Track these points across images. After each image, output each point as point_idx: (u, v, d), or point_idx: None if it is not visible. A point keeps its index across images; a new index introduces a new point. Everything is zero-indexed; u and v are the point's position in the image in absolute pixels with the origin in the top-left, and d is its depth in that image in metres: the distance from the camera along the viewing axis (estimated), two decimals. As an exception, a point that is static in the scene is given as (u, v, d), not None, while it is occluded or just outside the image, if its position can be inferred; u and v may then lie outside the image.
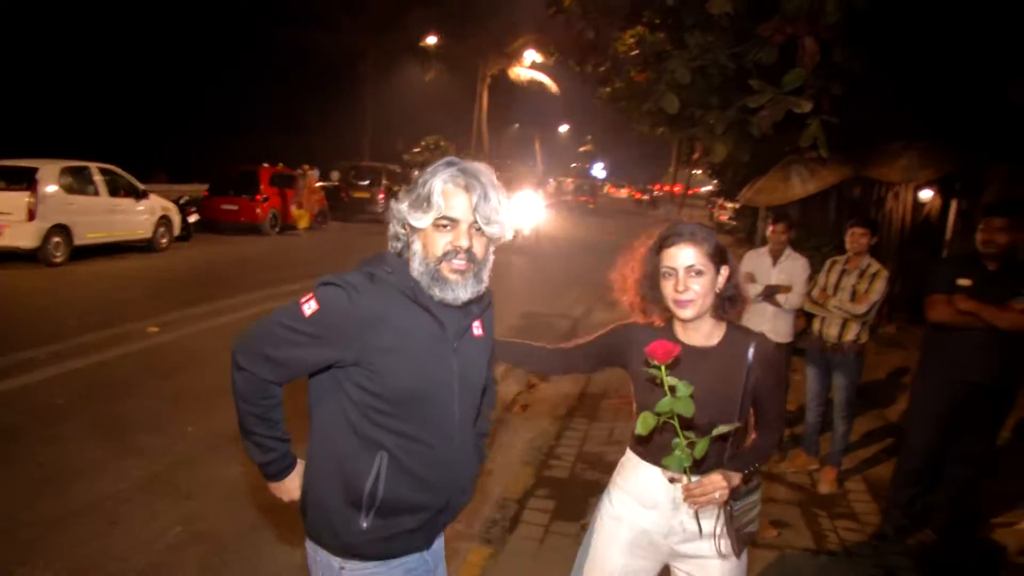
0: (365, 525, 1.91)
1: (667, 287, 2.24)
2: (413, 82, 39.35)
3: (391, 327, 1.87)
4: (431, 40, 36.64)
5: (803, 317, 5.63)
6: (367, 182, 23.19)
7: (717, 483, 2.12)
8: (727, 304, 2.29)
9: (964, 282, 4.13)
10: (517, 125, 59.24)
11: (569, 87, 41.09)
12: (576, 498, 4.62)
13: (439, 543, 2.15)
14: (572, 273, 14.57)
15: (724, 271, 2.26)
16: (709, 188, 40.56)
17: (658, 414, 1.99)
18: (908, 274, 10.98)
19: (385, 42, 33.60)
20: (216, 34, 27.46)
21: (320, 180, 26.01)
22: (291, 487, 2.07)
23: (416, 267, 1.92)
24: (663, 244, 2.26)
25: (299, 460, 2.08)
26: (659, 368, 1.98)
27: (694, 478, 2.13)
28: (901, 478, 4.49)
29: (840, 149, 9.59)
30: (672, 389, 1.98)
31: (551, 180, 44.68)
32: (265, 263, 13.33)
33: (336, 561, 1.95)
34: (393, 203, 1.99)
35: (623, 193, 71.41)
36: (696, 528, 2.29)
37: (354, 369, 1.89)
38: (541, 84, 43.80)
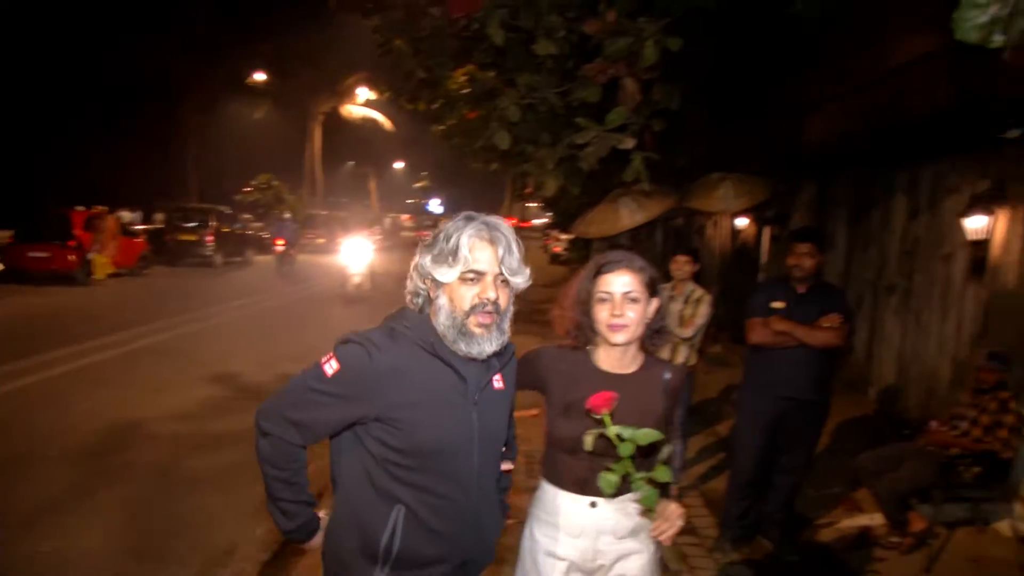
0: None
1: (602, 312, 2.26)
2: (242, 120, 38.16)
3: (412, 382, 1.89)
4: (259, 77, 35.71)
5: None
6: (194, 224, 22.02)
7: (677, 510, 2.10)
8: (655, 336, 2.35)
9: (777, 304, 4.45)
10: (352, 163, 58.59)
11: (403, 124, 41.24)
12: None
13: None
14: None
15: (654, 302, 2.31)
16: (544, 220, 41.78)
17: (618, 463, 1.98)
18: (730, 297, 11.74)
19: (209, 79, 32.34)
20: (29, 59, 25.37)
21: (143, 223, 24.59)
22: (316, 545, 2.08)
23: (442, 321, 1.94)
24: (600, 270, 2.28)
25: (323, 514, 2.07)
26: (603, 419, 1.99)
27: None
28: (734, 491, 4.74)
29: (663, 182, 10.14)
30: (619, 436, 1.97)
31: (388, 217, 44.30)
32: (78, 315, 12.36)
33: None
34: (415, 259, 2.01)
35: None
36: (617, 552, 2.30)
37: (375, 424, 1.91)
38: (375, 121, 43.72)
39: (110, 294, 15.23)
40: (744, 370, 4.84)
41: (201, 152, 34.80)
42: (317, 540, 2.07)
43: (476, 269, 1.91)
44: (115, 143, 28.73)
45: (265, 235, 29.12)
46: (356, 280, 14.89)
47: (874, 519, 5.12)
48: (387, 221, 42.15)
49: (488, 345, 1.94)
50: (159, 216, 23.77)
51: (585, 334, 2.33)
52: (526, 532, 2.43)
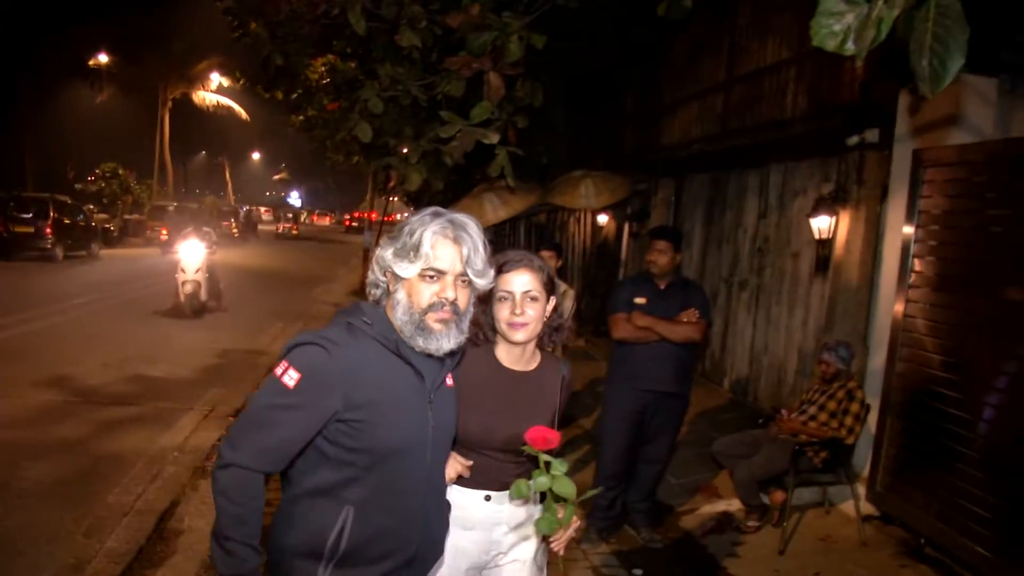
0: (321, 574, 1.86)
1: (503, 310, 2.27)
2: (85, 105, 35.70)
3: (371, 379, 1.85)
4: (102, 59, 33.51)
5: None
6: (30, 214, 20.30)
7: (574, 523, 2.12)
8: (553, 333, 2.39)
9: (640, 300, 4.58)
10: (204, 152, 56.11)
11: (260, 113, 39.81)
12: None
13: None
14: (273, 307, 14.02)
15: (552, 301, 2.34)
16: (406, 215, 41.34)
17: (532, 486, 1.91)
18: (593, 292, 12.02)
19: (47, 59, 30.01)
20: None
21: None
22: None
23: (399, 316, 1.90)
24: (500, 269, 2.25)
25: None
26: (536, 457, 1.92)
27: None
28: (601, 482, 4.83)
29: (527, 178, 10.25)
30: (548, 465, 1.91)
31: (242, 209, 42.74)
32: None
33: None
34: (377, 250, 1.97)
35: (327, 221, 71.11)
36: (511, 541, 2.33)
37: (332, 425, 1.83)
38: (229, 109, 41.95)
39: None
40: (608, 364, 4.95)
41: (40, 138, 32.25)
42: None
43: (437, 267, 1.88)
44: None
45: (110, 227, 27.45)
46: (188, 289, 12.11)
47: (732, 504, 5.36)
48: (242, 213, 40.47)
49: (446, 342, 1.90)
50: (-9, 206, 21.86)
51: (485, 331, 2.34)
52: None
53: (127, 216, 32.01)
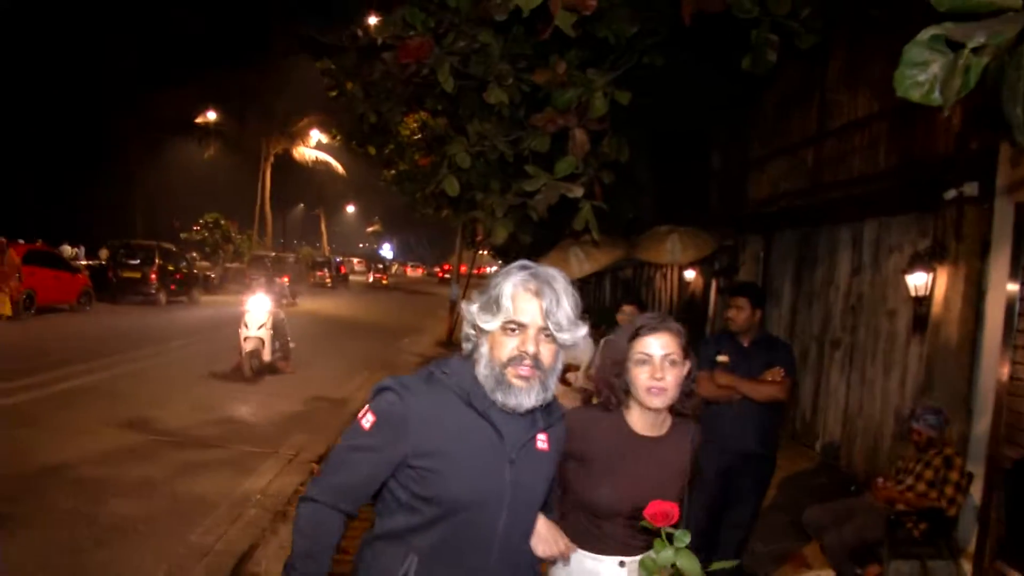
0: None
1: (641, 374, 2.21)
2: (192, 159, 37.79)
3: (443, 429, 1.85)
4: (210, 116, 35.45)
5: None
6: (138, 261, 21.44)
7: None
8: (685, 399, 2.29)
9: (722, 359, 4.46)
10: (302, 205, 58.24)
11: (355, 168, 41.20)
12: None
13: None
14: (361, 355, 14.28)
15: (687, 364, 2.26)
16: (495, 268, 41.87)
17: (656, 566, 1.89)
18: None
19: (158, 116, 31.97)
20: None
21: (86, 258, 23.97)
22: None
23: (482, 370, 1.89)
24: (639, 332, 2.25)
25: None
26: (659, 532, 1.89)
27: None
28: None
29: (612, 233, 10.23)
30: (670, 537, 1.88)
31: (334, 259, 44.06)
32: (5, 353, 11.88)
33: None
34: (464, 304, 1.98)
35: (419, 272, 73.11)
36: None
37: (404, 470, 1.87)
38: (327, 164, 43.60)
39: (41, 331, 14.70)
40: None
41: (148, 190, 34.25)
42: None
43: (518, 320, 1.87)
44: (57, 177, 28.14)
45: (211, 275, 28.67)
46: (249, 347, 10.81)
47: (822, 575, 5.09)
48: (335, 262, 41.65)
49: (527, 398, 1.87)
50: (103, 252, 23.11)
51: (618, 395, 2.29)
52: None
53: (228, 264, 33.39)
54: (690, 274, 11.47)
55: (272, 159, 40.72)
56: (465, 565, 1.89)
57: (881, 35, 6.44)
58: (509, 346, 1.87)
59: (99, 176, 31.03)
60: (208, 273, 28.41)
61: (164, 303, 21.46)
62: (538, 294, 1.88)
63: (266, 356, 11.05)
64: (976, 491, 4.92)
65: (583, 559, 2.27)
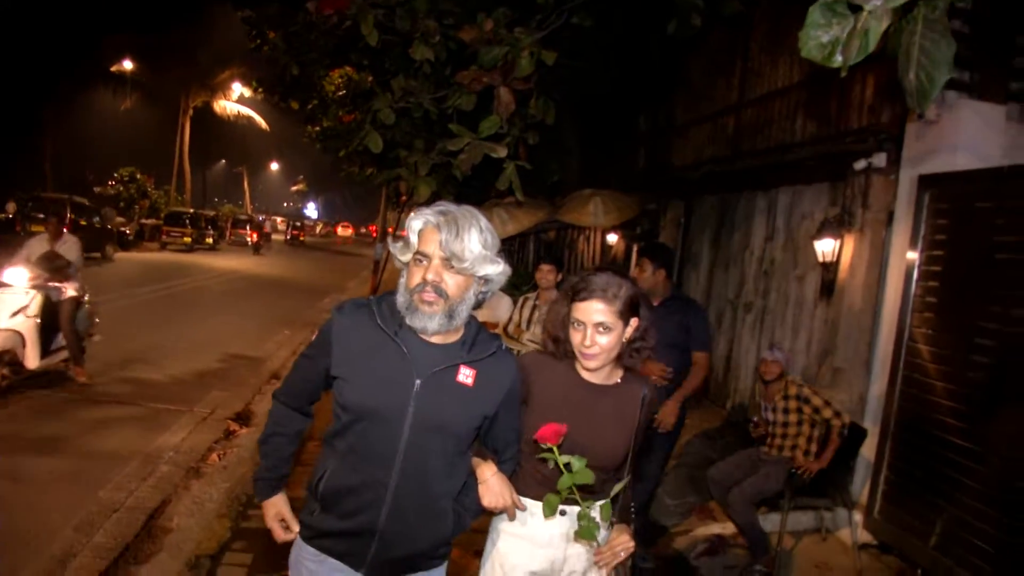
0: (314, 513, 2.17)
1: (575, 337, 2.29)
2: (107, 111, 36.09)
3: (356, 343, 2.09)
4: (126, 65, 33.87)
5: None
6: (47, 215, 20.44)
7: (624, 543, 2.22)
8: (633, 354, 2.35)
9: None
10: (224, 161, 56.55)
11: (279, 124, 40.18)
12: (275, 549, 4.34)
13: None
14: (281, 314, 14.06)
15: (633, 322, 2.31)
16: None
17: (558, 492, 2.12)
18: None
19: (71, 66, 30.31)
20: None
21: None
22: (268, 510, 2.32)
23: (399, 297, 2.09)
24: (574, 296, 2.29)
25: (280, 500, 2.33)
26: (552, 450, 2.09)
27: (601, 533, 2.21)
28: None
29: (536, 195, 10.26)
30: (567, 466, 2.09)
31: (261, 217, 43.09)
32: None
33: (298, 536, 2.24)
34: (389, 240, 2.23)
35: (349, 232, 72.46)
36: (590, 557, 2.32)
37: (332, 381, 2.15)
38: (249, 119, 42.37)
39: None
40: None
41: (61, 141, 32.55)
42: (269, 506, 2.31)
43: (422, 251, 2.05)
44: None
45: (126, 230, 27.65)
46: None
47: (726, 527, 5.29)
48: (258, 220, 40.67)
49: (430, 322, 2.04)
50: (10, 206, 22.02)
51: (564, 348, 2.37)
52: (491, 551, 2.41)
53: (143, 221, 32.27)
54: (612, 238, 11.59)
55: (192, 112, 39.26)
56: (366, 472, 2.08)
57: (802, 3, 6.56)
58: (417, 275, 2.05)
59: (4, 124, 29.38)
60: (123, 229, 27.41)
61: (75, 259, 20.58)
62: (439, 227, 2.03)
63: (30, 360, 6.81)
64: (870, 448, 5.17)
65: (529, 505, 2.33)
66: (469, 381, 2.11)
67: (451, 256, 2.01)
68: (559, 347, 2.37)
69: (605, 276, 2.31)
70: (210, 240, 32.06)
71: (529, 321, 5.44)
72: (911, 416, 4.92)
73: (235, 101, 40.89)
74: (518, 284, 9.58)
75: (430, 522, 2.14)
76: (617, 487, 2.22)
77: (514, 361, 2.26)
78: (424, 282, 2.02)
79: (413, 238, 2.06)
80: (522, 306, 5.59)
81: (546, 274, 5.47)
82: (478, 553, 2.50)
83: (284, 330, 12.22)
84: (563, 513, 2.29)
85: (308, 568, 2.18)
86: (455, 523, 2.18)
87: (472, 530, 2.31)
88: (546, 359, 2.41)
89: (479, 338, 2.17)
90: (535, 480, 2.32)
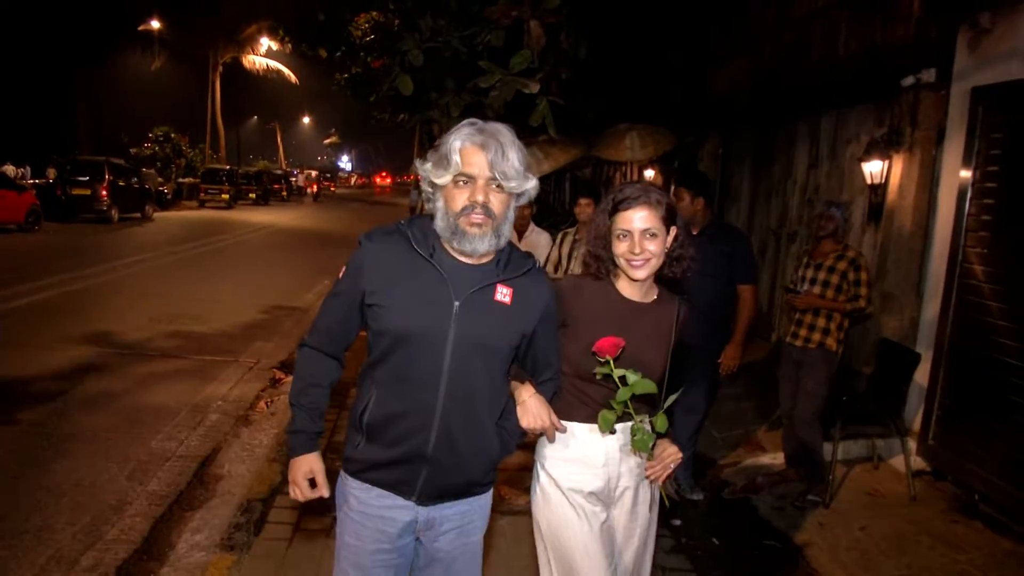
0: (359, 445, 2.12)
1: (621, 248, 2.27)
2: (138, 71, 36.23)
3: (391, 269, 2.04)
4: (153, 24, 33.84)
5: None
6: (87, 177, 20.68)
7: (673, 454, 2.27)
8: (674, 263, 2.35)
9: None
10: (256, 118, 56.68)
11: (309, 77, 39.93)
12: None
13: (454, 517, 2.19)
14: (318, 265, 14.14)
15: (673, 231, 2.32)
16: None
17: (615, 405, 2.14)
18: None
19: (100, 26, 30.34)
20: None
21: (32, 178, 23.21)
22: (298, 467, 2.16)
23: (439, 222, 2.03)
24: (617, 206, 2.27)
25: (315, 458, 2.17)
26: (608, 363, 2.11)
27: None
28: None
29: (571, 132, 10.08)
30: (623, 379, 2.11)
31: (296, 172, 43.27)
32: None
33: (343, 471, 2.20)
34: (417, 162, 2.11)
35: (387, 181, 73.99)
36: (639, 472, 2.37)
37: (367, 310, 2.08)
38: (279, 73, 42.22)
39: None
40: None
41: (93, 104, 32.81)
42: (301, 462, 2.16)
43: (467, 173, 1.98)
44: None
45: (164, 190, 27.97)
46: None
47: (775, 459, 5.24)
48: (293, 174, 40.86)
49: (480, 244, 2.00)
50: (51, 171, 22.28)
51: (606, 266, 2.35)
52: (541, 478, 2.40)
53: (181, 180, 32.58)
54: (649, 173, 11.37)
55: (221, 69, 39.25)
56: (410, 398, 2.05)
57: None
58: (461, 197, 1.99)
59: (39, 92, 29.63)
60: (161, 188, 27.70)
61: (116, 220, 20.85)
62: (484, 147, 1.97)
63: None
64: (923, 374, 5.05)
65: (573, 429, 2.34)
66: (507, 299, 2.11)
67: (499, 176, 1.97)
68: (601, 265, 2.35)
69: (641, 184, 2.33)
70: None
71: (569, 256, 5.36)
72: (966, 340, 4.78)
73: (263, 55, 40.74)
74: (557, 223, 9.47)
75: (478, 444, 2.13)
76: (671, 398, 2.23)
77: (547, 280, 2.27)
78: (473, 203, 1.98)
79: (456, 158, 1.98)
80: (561, 242, 5.51)
81: (585, 208, 5.40)
82: (527, 490, 2.48)
83: (324, 280, 12.30)
84: (613, 432, 2.29)
85: (355, 497, 2.15)
86: (501, 445, 2.18)
87: (519, 467, 2.30)
88: (584, 280, 2.41)
89: (513, 257, 2.15)
90: (579, 401, 2.33)
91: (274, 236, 20.20)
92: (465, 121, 2.04)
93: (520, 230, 5.67)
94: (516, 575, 3.63)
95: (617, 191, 2.32)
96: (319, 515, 4.08)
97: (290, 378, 6.61)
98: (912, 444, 5.03)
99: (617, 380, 2.11)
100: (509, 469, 4.31)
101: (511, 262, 2.13)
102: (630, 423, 2.25)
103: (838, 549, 4.12)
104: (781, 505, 4.64)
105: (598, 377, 2.17)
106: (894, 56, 5.69)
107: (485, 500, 2.26)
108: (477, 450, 2.13)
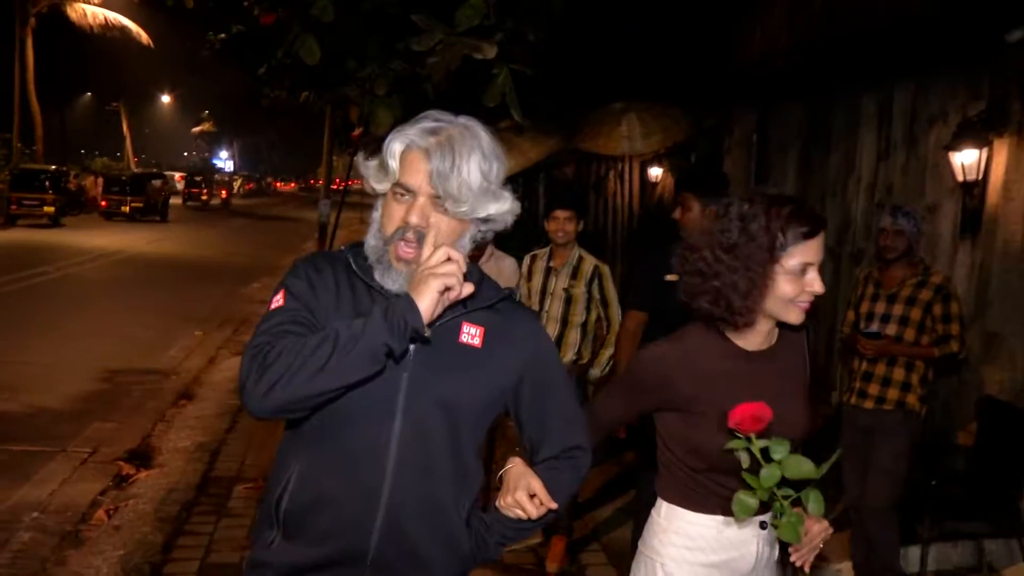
0: (273, 543, 2.12)
1: (791, 288, 2.33)
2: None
3: (329, 302, 2.08)
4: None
5: None
6: None
7: (823, 529, 2.34)
8: None
9: (671, 277, 4.56)
10: (90, 95, 56.38)
11: (168, 37, 39.68)
12: None
13: None
14: (188, 310, 14.09)
15: None
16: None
17: (757, 489, 2.18)
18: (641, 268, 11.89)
19: None
20: None
21: None
22: (423, 297, 1.88)
23: (370, 240, 2.10)
24: (803, 232, 2.31)
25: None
26: (748, 439, 2.17)
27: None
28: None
29: (544, 116, 10.17)
30: (765, 452, 2.18)
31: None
32: None
33: None
34: (360, 158, 2.18)
35: (292, 187, 74.72)
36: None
37: None
38: (123, 31, 41.75)
39: None
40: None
41: None
42: (420, 304, 1.89)
43: (404, 185, 2.03)
44: None
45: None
46: None
47: (842, 571, 5.30)
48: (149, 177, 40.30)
49: (407, 285, 1.98)
50: None
51: (749, 316, 2.36)
52: None
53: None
54: (656, 171, 11.55)
55: (34, 22, 38.29)
56: (349, 474, 2.06)
57: None
58: (396, 215, 2.05)
59: None
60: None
61: None
62: (428, 154, 1.98)
63: None
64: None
65: (724, 527, 2.46)
66: (476, 341, 2.14)
67: (442, 194, 1.99)
68: (744, 314, 2.36)
69: (778, 188, 2.48)
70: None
71: (543, 292, 5.42)
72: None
73: (98, 4, 40.16)
74: (526, 244, 9.54)
75: (439, 538, 2.15)
76: (833, 457, 2.24)
77: (535, 317, 2.38)
78: (405, 226, 2.01)
79: (393, 163, 2.04)
80: (530, 270, 5.56)
81: (563, 224, 5.39)
82: None
83: (194, 331, 12.26)
84: (763, 526, 2.45)
85: None
86: (476, 544, 2.21)
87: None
88: (684, 342, 2.49)
89: (483, 287, 2.17)
90: (717, 496, 2.43)
91: (119, 267, 20.06)
92: (426, 113, 2.07)
93: (474, 256, 5.69)
94: None
95: (791, 210, 2.34)
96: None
97: (143, 474, 6.60)
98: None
99: (759, 457, 2.19)
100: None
101: (480, 291, 2.13)
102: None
103: None
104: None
105: (739, 458, 2.24)
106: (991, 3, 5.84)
107: None
108: (438, 547, 2.14)
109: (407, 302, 1.87)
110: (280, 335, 1.99)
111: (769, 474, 2.16)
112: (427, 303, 1.86)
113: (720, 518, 2.43)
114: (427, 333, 1.89)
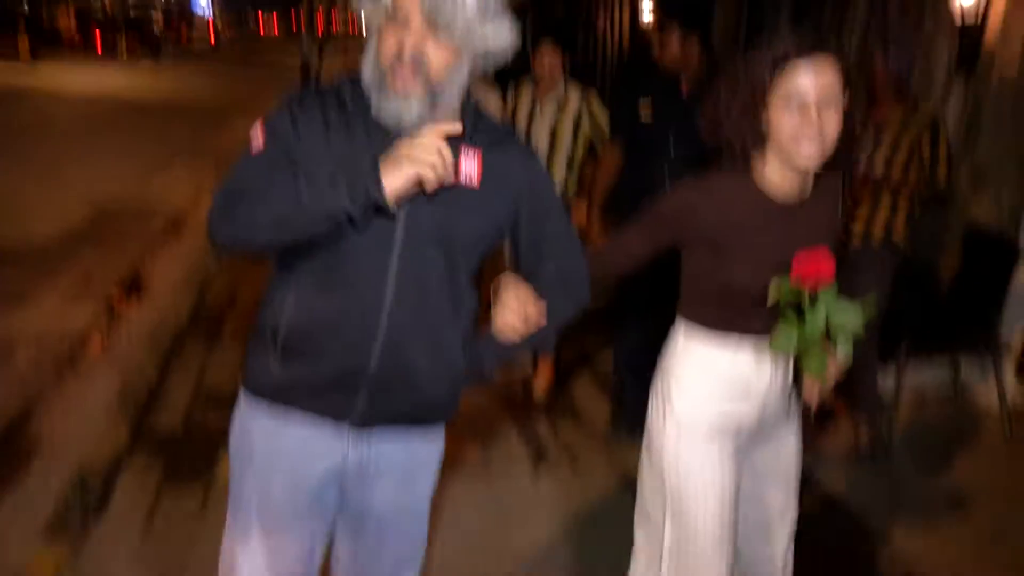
0: (269, 366, 2.15)
1: (788, 123, 2.22)
2: None
3: (322, 136, 2.06)
4: None
5: None
6: None
7: (837, 372, 2.47)
8: (845, 149, 2.32)
9: (645, 108, 4.68)
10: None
11: None
12: (195, 452, 4.58)
13: (395, 456, 2.29)
14: (171, 147, 13.94)
15: (845, 98, 2.26)
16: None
17: (802, 334, 2.20)
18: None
19: None
20: None
21: None
22: (393, 177, 1.86)
23: (367, 71, 2.04)
24: (789, 56, 2.21)
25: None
26: (801, 293, 2.17)
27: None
28: (622, 371, 5.09)
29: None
30: (813, 300, 2.18)
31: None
32: None
33: (243, 396, 2.26)
34: None
35: (276, 35, 74.37)
36: (782, 407, 2.58)
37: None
38: None
39: None
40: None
41: None
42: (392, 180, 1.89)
43: (398, 9, 1.96)
44: None
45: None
46: None
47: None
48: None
49: (407, 110, 1.99)
50: None
51: (750, 145, 2.33)
52: (663, 405, 2.56)
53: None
54: (648, 4, 11.32)
55: None
56: (344, 298, 2.10)
57: None
58: (391, 42, 1.97)
59: None
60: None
61: None
62: None
63: None
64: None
65: (729, 349, 2.46)
66: (473, 180, 2.12)
67: (435, 16, 1.93)
68: (744, 142, 2.33)
69: (813, 33, 2.36)
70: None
71: (528, 128, 5.32)
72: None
73: None
74: (508, 80, 9.41)
75: (435, 358, 2.20)
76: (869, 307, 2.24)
77: (531, 152, 2.34)
78: (400, 53, 1.96)
79: None
80: (516, 106, 5.45)
81: (548, 58, 5.30)
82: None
83: (175, 164, 12.20)
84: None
85: (263, 428, 2.21)
86: (471, 362, 2.26)
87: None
88: (711, 184, 2.44)
89: (480, 124, 2.16)
90: (726, 317, 2.45)
91: (96, 108, 19.71)
92: None
93: None
94: (478, 556, 3.81)
95: (778, 40, 2.28)
96: (190, 478, 4.17)
97: (136, 302, 6.62)
98: (1009, 367, 5.20)
99: (807, 311, 2.17)
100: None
101: (478, 130, 2.14)
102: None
103: (899, 511, 4.31)
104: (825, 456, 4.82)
105: (770, 304, 2.22)
106: None
107: (436, 444, 2.38)
108: (436, 364, 2.20)
109: (374, 178, 1.85)
110: (251, 179, 2.02)
111: (816, 321, 2.16)
112: (396, 184, 1.84)
113: (738, 338, 2.43)
114: (392, 210, 1.90)
